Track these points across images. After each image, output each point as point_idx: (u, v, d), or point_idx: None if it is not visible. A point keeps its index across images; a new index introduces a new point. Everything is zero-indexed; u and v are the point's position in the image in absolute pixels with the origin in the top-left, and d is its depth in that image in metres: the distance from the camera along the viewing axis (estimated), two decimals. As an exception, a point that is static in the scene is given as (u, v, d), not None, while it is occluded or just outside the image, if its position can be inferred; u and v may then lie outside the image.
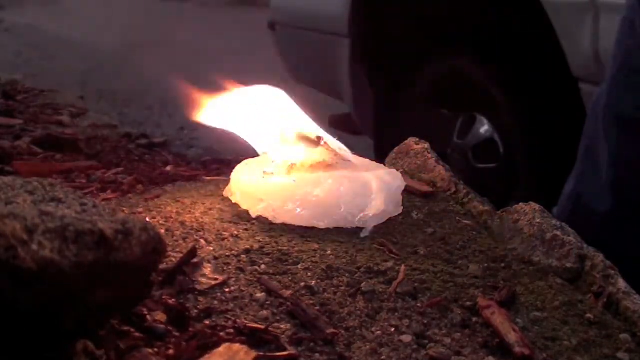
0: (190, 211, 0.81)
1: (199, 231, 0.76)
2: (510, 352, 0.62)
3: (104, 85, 4.25)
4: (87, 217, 0.52)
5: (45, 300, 0.48)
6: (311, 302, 0.65)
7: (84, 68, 4.82)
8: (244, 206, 0.81)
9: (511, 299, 0.70)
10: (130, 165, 1.26)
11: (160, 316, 0.60)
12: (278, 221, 0.78)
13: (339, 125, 2.51)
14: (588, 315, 0.70)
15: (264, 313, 0.63)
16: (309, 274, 0.69)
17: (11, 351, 0.49)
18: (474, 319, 0.66)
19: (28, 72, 3.69)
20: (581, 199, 1.19)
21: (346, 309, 0.65)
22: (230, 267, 0.69)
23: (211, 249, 0.72)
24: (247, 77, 0.93)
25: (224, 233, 0.76)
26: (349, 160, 0.86)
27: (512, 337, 0.63)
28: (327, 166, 0.83)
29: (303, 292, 0.66)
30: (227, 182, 0.85)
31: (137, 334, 0.57)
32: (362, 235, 0.78)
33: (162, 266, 0.65)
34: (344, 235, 0.77)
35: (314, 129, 0.88)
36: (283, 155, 0.84)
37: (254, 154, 0.90)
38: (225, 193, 0.84)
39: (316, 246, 0.74)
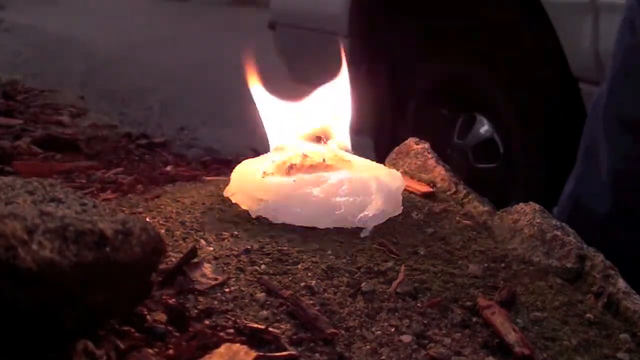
0: (190, 211, 0.81)
1: (199, 231, 0.76)
2: (510, 352, 0.62)
3: (104, 85, 4.24)
4: (87, 217, 0.52)
5: (45, 300, 0.48)
6: (311, 302, 0.65)
7: (84, 68, 4.82)
8: (244, 206, 0.81)
9: (511, 299, 0.70)
10: (130, 165, 1.26)
11: (160, 316, 0.60)
12: (278, 221, 0.78)
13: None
14: (588, 315, 0.70)
15: (264, 313, 0.63)
16: (309, 274, 0.69)
17: (11, 351, 0.49)
18: (474, 319, 0.66)
19: (28, 72, 3.70)
20: (581, 199, 1.19)
21: (346, 309, 0.65)
22: (230, 267, 0.69)
23: (211, 249, 0.72)
24: (246, 77, 0.92)
25: (224, 233, 0.76)
26: (349, 161, 0.86)
27: (512, 337, 0.63)
28: (327, 166, 0.83)
29: (303, 292, 0.66)
30: (227, 182, 0.85)
31: (137, 334, 0.57)
32: (362, 235, 0.77)
33: (162, 266, 0.65)
34: (344, 235, 0.77)
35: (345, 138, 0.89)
36: (293, 150, 0.84)
37: (253, 154, 0.90)
38: (225, 193, 0.84)
39: (316, 246, 0.74)
